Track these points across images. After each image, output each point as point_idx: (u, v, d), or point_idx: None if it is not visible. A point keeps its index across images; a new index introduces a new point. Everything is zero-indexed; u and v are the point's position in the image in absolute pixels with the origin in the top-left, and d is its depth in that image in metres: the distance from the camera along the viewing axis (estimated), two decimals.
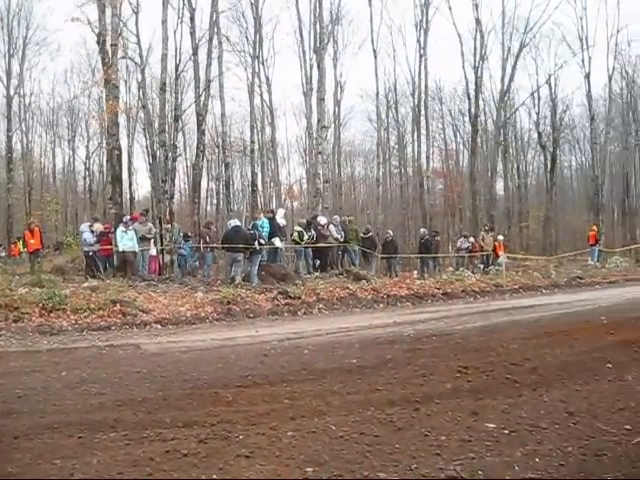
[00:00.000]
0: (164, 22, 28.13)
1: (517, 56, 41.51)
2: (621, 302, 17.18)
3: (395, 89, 47.80)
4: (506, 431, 6.05)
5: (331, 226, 25.27)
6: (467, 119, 45.11)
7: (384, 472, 4.96)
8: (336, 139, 47.53)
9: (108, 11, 25.01)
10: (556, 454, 5.48)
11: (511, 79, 41.75)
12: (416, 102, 43.18)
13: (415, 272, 27.09)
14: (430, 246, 28.32)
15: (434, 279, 23.42)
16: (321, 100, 31.40)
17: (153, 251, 24.06)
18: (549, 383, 7.89)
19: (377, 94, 43.99)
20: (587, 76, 43.51)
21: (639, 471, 5.17)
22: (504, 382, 7.97)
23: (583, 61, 43.20)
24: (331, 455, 5.33)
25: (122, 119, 37.49)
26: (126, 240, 21.82)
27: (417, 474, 4.99)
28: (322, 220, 25.33)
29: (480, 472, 5.01)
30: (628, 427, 6.26)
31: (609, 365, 8.85)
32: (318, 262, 24.87)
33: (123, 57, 33.56)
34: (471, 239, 30.43)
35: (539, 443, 5.74)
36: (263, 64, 43.09)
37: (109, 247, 22.79)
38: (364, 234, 27.58)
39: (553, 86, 47.72)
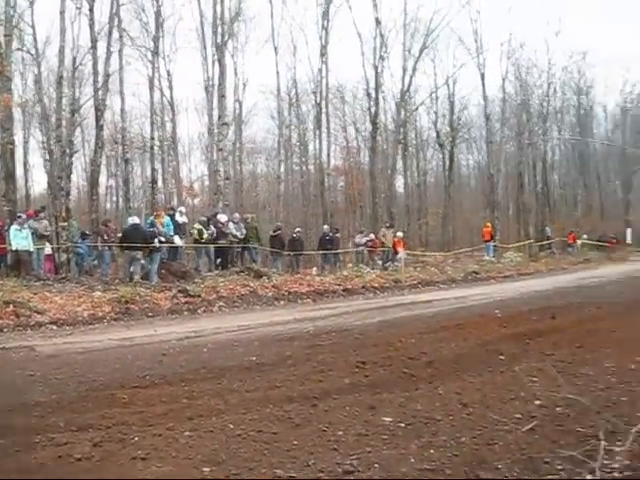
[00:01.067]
0: (62, 13, 27.32)
1: (417, 57, 42.39)
2: (515, 296, 17.74)
3: (297, 87, 47.84)
4: (402, 424, 6.15)
5: (230, 224, 25.11)
6: (368, 117, 45.59)
7: (281, 469, 4.96)
8: (238, 136, 47.22)
9: (1, 1, 24.09)
10: (450, 445, 5.62)
11: (411, 79, 42.56)
12: (318, 100, 43.37)
13: (315, 269, 27.22)
14: (331, 243, 28.50)
15: (334, 275, 23.61)
16: (222, 97, 31.08)
17: (48, 250, 23.28)
18: (444, 376, 8.08)
19: (278, 91, 44.09)
20: (482, 77, 44.97)
21: (528, 457, 5.36)
22: (401, 376, 8.12)
23: (479, 63, 44.65)
24: (228, 454, 5.29)
25: (17, 113, 36.09)
26: (20, 239, 20.87)
27: (314, 470, 5.01)
28: (222, 217, 25.14)
29: (376, 465, 5.07)
30: (518, 416, 6.47)
31: (502, 357, 9.14)
32: (219, 260, 24.69)
33: (19, 49, 32.44)
34: (371, 235, 30.76)
35: (434, 435, 5.87)
36: (164, 59, 42.41)
37: (2, 246, 21.88)
38: (273, 232, 27.60)
39: (451, 87, 49.00)
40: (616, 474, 4.96)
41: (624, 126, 63.48)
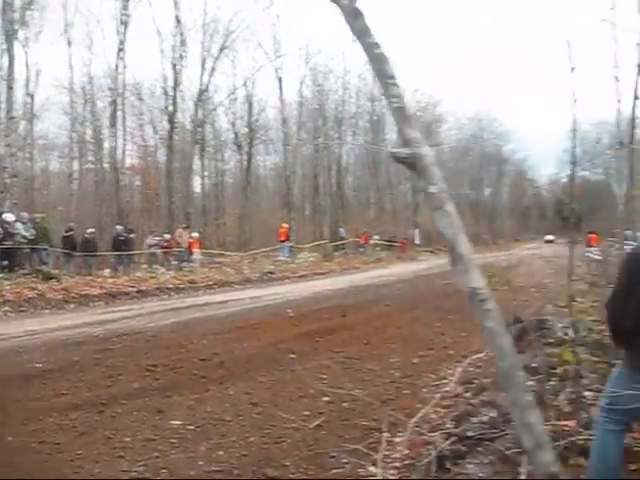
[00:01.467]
0: None
1: (217, 57, 42.20)
2: (308, 295, 18.13)
3: (92, 82, 46.00)
4: (191, 427, 6.10)
5: (18, 223, 23.68)
6: (166, 116, 44.78)
7: None
8: (29, 131, 44.65)
9: None
10: (239, 445, 5.64)
11: (210, 79, 42.36)
12: (114, 97, 41.99)
13: (107, 270, 26.25)
14: (125, 243, 27.68)
15: (128, 277, 22.95)
16: (10, 89, 29.25)
17: None
18: (236, 376, 8.10)
19: (72, 86, 42.13)
20: (280, 81, 45.65)
21: (315, 453, 5.48)
22: (192, 378, 8.04)
23: (277, 67, 45.31)
24: (5, 471, 4.97)
25: None
26: None
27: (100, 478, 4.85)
28: (8, 217, 23.59)
29: (164, 470, 4.99)
30: (307, 413, 6.62)
31: (293, 356, 9.32)
32: (6, 262, 23.22)
33: None
34: (166, 235, 30.15)
35: (223, 436, 5.86)
36: None
37: None
38: (65, 232, 26.29)
39: (250, 88, 49.18)
40: (397, 464, 5.20)
41: None
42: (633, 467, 4.42)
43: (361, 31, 0.71)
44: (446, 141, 76.34)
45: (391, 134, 65.68)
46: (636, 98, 6.99)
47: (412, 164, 0.69)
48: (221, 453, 5.41)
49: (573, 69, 3.81)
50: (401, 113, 0.69)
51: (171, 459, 5.24)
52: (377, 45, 0.67)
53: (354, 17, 0.71)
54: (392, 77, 0.67)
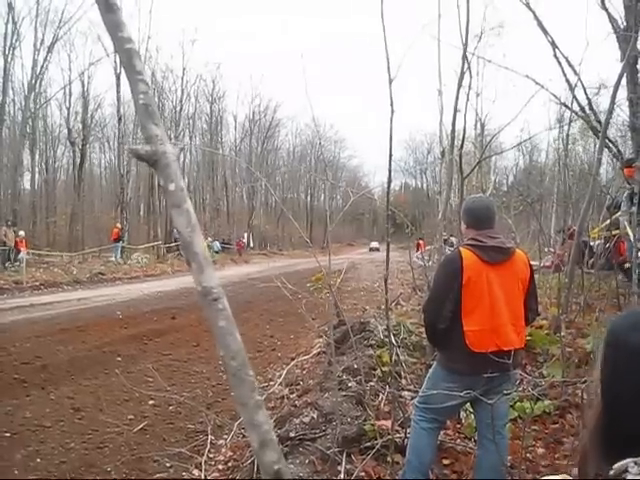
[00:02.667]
0: None
1: (50, 48, 40.40)
2: (138, 297, 17.74)
3: None
4: (8, 434, 5.84)
5: None
6: None
7: None
8: None
9: None
10: (58, 451, 5.47)
11: (43, 71, 40.48)
12: None
13: None
14: None
15: None
16: None
17: None
18: (58, 380, 7.82)
19: None
20: (118, 77, 44.33)
21: (138, 457, 5.40)
22: (12, 383, 7.68)
23: (115, 62, 43.97)
24: None
25: None
26: None
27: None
28: None
29: None
30: (131, 417, 6.53)
31: (119, 358, 9.12)
32: None
33: None
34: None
35: (42, 442, 5.66)
36: None
37: None
38: None
39: (86, 83, 47.48)
40: (220, 466, 5.23)
41: (251, 136, 67.47)
42: (446, 462, 4.69)
43: (113, 25, 0.71)
44: (283, 146, 77.53)
45: (229, 136, 65.87)
46: (456, 111, 7.41)
47: (154, 161, 0.70)
48: (39, 460, 5.24)
49: (391, 81, 3.97)
50: (146, 110, 0.69)
51: None
52: (128, 40, 0.68)
53: (107, 10, 0.70)
54: (140, 73, 0.67)
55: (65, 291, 20.54)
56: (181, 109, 53.62)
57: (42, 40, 39.70)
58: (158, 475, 5.10)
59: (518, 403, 5.19)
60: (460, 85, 7.33)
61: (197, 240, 0.74)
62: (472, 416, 4.67)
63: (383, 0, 4.03)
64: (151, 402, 6.93)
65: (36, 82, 40.38)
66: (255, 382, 0.71)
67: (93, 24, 42.21)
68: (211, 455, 5.41)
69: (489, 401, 3.62)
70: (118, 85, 43.89)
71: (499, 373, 3.64)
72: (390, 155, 4.27)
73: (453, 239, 11.62)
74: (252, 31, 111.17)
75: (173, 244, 40.77)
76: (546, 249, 12.41)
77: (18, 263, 25.03)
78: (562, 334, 6.42)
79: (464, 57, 7.42)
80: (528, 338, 6.64)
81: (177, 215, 0.75)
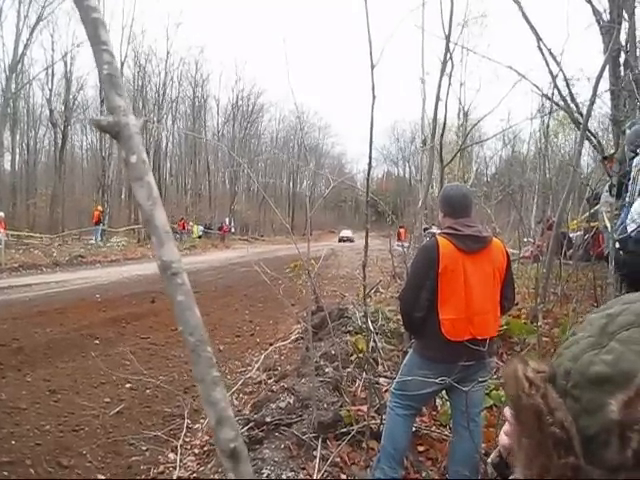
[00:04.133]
0: None
1: (33, 28, 39.90)
2: (118, 280, 17.68)
3: None
4: None
5: None
6: None
7: None
8: None
9: None
10: (33, 434, 5.43)
11: (25, 51, 40.00)
12: None
13: None
14: None
15: None
16: None
17: None
18: (35, 362, 7.77)
19: None
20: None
21: (114, 441, 5.39)
22: None
23: None
24: None
25: None
26: None
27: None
28: None
29: None
30: (107, 400, 6.51)
31: (97, 342, 9.08)
32: None
33: None
34: None
35: (16, 425, 5.62)
36: None
37: None
38: None
39: (69, 64, 46.99)
40: (196, 450, 5.23)
41: (234, 121, 67.33)
42: (421, 449, 4.72)
43: None
44: (267, 131, 77.31)
45: (212, 120, 65.57)
46: (438, 99, 7.43)
47: (116, 132, 0.68)
48: (13, 443, 5.20)
49: (373, 67, 3.96)
50: (110, 80, 0.68)
51: None
52: (95, 9, 0.66)
53: None
54: (105, 43, 0.66)
55: (44, 273, 20.41)
56: (164, 93, 53.30)
57: (25, 20, 39.15)
58: (134, 458, 5.09)
59: (494, 391, 5.22)
60: (442, 74, 7.35)
61: (158, 214, 0.73)
62: (448, 404, 4.70)
63: None
64: (128, 385, 6.91)
65: (18, 62, 39.88)
66: (213, 358, 0.71)
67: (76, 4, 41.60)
68: (187, 439, 5.42)
69: (464, 389, 3.64)
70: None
71: (475, 361, 3.67)
72: (371, 142, 4.26)
73: (434, 228, 11.65)
74: (237, 15, 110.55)
75: None
76: (525, 239, 12.49)
77: None
78: (539, 324, 6.47)
79: (447, 46, 7.43)
80: (505, 327, 6.71)
81: (138, 188, 0.74)
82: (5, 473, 4.62)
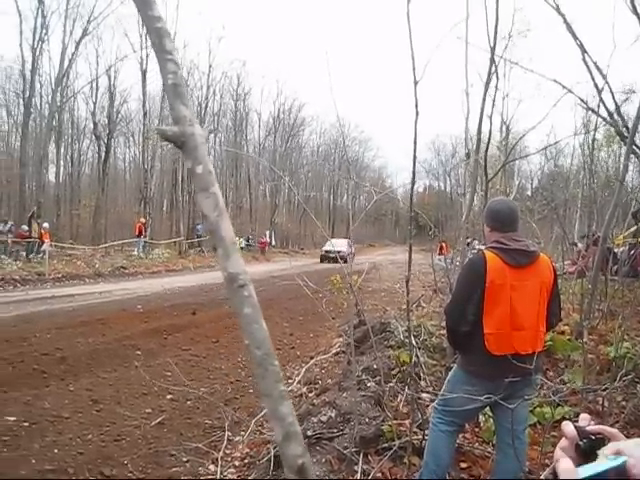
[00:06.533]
0: None
1: (78, 43, 40.60)
2: (159, 292, 17.82)
3: None
4: (26, 424, 5.86)
5: None
6: (22, 100, 42.71)
7: None
8: None
9: None
10: (76, 443, 5.48)
11: (70, 65, 40.72)
12: None
13: None
14: None
15: None
16: None
17: None
18: (78, 372, 7.87)
19: None
20: (144, 73, 44.56)
21: (155, 451, 5.41)
22: (31, 373, 7.73)
23: (142, 58, 44.20)
24: None
25: None
26: None
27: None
28: None
29: None
30: (149, 410, 6.54)
31: (138, 352, 9.15)
32: None
33: None
34: (24, 227, 28.60)
35: (59, 433, 5.68)
36: None
37: None
38: None
39: (112, 78, 47.63)
40: (237, 462, 5.23)
41: (275, 134, 67.70)
42: (464, 465, 4.65)
43: (143, 2, 0.70)
44: (307, 145, 77.45)
45: (254, 133, 65.96)
46: (482, 112, 7.37)
47: (181, 143, 0.68)
48: (56, 451, 5.25)
49: (416, 82, 3.94)
50: (175, 90, 0.68)
51: (1, 457, 5.02)
52: (159, 19, 0.66)
53: None
54: (170, 52, 0.66)
55: (87, 284, 20.68)
56: (206, 106, 53.68)
57: (71, 34, 39.88)
58: (175, 469, 5.10)
59: (538, 408, 5.14)
60: (487, 87, 7.30)
61: (224, 224, 0.73)
62: (491, 420, 4.63)
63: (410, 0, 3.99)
64: (169, 396, 6.95)
65: (64, 76, 40.64)
66: (280, 373, 0.69)
67: (121, 19, 42.34)
68: (228, 451, 5.41)
69: (510, 406, 3.58)
70: (144, 81, 44.12)
71: (520, 377, 3.61)
72: (414, 157, 4.24)
73: (475, 242, 11.54)
74: (279, 28, 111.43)
75: (195, 240, 40.89)
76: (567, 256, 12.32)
77: (41, 255, 25.23)
78: (584, 340, 6.35)
79: (492, 59, 7.38)
80: (549, 343, 6.60)
81: (204, 199, 0.73)
82: None
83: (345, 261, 23.24)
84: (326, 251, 38.83)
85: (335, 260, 25.99)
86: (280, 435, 0.67)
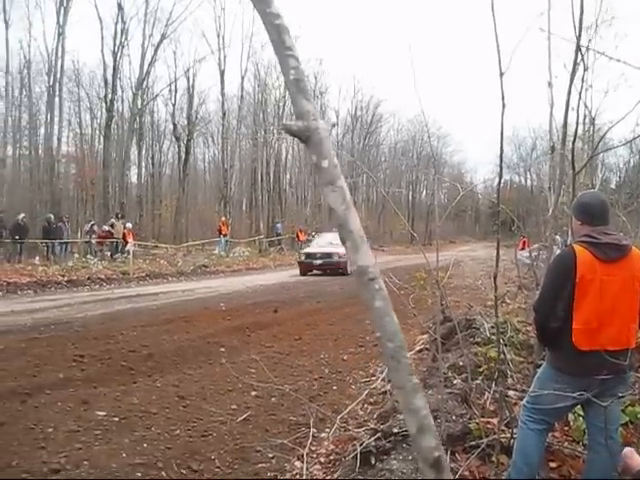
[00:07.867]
0: None
1: (157, 46, 41.44)
2: (240, 290, 18.06)
3: (30, 66, 44.55)
4: (116, 418, 6.00)
5: None
6: (104, 104, 43.83)
7: None
8: None
9: None
10: (164, 438, 5.58)
11: (150, 68, 41.62)
12: (51, 82, 40.90)
13: (37, 258, 25.52)
14: (56, 231, 26.91)
15: (59, 266, 22.49)
16: None
17: None
18: (164, 368, 8.03)
19: (7, 68, 40.88)
20: (222, 74, 45.19)
21: (241, 447, 5.47)
22: (119, 369, 7.93)
23: (220, 59, 44.83)
24: None
25: None
26: None
27: (18, 471, 4.72)
28: None
29: (86, 462, 4.89)
30: (234, 407, 6.61)
31: (222, 349, 9.28)
32: None
33: None
34: (105, 227, 29.38)
35: (148, 428, 5.79)
36: None
37: None
38: None
39: (191, 80, 48.33)
40: (322, 459, 5.23)
41: (353, 131, 67.64)
42: (553, 465, 4.54)
43: (261, 0, 0.71)
44: (385, 142, 76.99)
45: (332, 131, 65.91)
46: (568, 105, 7.18)
47: (306, 137, 0.68)
48: (145, 445, 5.35)
49: (502, 74, 3.85)
50: (297, 85, 0.68)
51: (93, 451, 5.14)
52: (277, 16, 0.67)
53: None
54: (290, 49, 0.66)
55: (170, 282, 21.14)
56: (284, 105, 53.89)
57: (150, 39, 40.74)
58: (261, 465, 5.14)
59: (629, 407, 4.98)
60: (573, 78, 7.11)
61: (352, 218, 0.72)
62: (581, 419, 4.52)
63: None
64: (254, 393, 7.00)
65: (143, 80, 41.54)
66: (412, 365, 0.69)
67: (198, 21, 42.99)
68: (313, 448, 5.40)
69: (602, 404, 3.48)
70: (222, 82, 44.79)
71: (613, 375, 3.50)
72: (501, 150, 4.16)
73: (557, 237, 11.27)
74: (355, 26, 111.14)
75: (275, 238, 41.19)
76: None
77: (126, 254, 25.88)
78: None
79: (577, 49, 7.18)
80: None
81: (330, 192, 0.73)
82: (138, 474, 4.77)
83: (342, 271, 21.34)
84: (307, 255, 26.06)
85: (325, 271, 22.98)
86: (414, 427, 0.66)
